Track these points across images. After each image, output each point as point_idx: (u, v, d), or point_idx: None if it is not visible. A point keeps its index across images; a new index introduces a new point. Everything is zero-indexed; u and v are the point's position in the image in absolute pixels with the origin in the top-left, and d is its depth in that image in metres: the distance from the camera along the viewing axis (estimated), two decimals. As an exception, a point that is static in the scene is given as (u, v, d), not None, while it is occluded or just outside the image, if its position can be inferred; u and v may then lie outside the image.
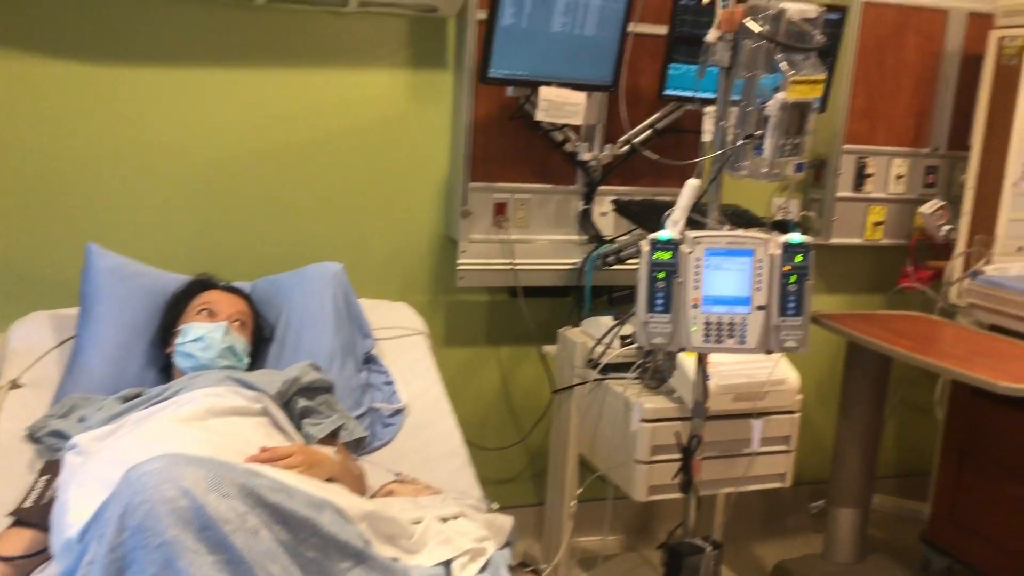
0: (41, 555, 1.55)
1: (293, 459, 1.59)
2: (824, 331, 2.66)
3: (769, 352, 1.87)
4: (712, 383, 2.18)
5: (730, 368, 2.24)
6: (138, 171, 2.43)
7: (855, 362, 2.77)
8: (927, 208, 2.95)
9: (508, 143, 2.65)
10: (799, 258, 1.84)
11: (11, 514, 1.62)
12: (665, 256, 1.83)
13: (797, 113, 1.82)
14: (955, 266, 2.84)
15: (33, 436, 1.82)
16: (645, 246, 1.84)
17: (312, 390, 1.91)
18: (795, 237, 1.83)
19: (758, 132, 1.83)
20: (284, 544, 1.32)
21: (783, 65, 1.79)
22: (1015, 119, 2.70)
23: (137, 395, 1.84)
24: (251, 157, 2.52)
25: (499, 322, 2.86)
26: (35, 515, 1.59)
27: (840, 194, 2.96)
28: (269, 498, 1.33)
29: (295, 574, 1.30)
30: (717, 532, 2.75)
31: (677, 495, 2.14)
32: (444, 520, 1.68)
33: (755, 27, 1.79)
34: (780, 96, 1.79)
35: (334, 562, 1.38)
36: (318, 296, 2.19)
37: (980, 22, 2.92)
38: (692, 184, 1.87)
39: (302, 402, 1.88)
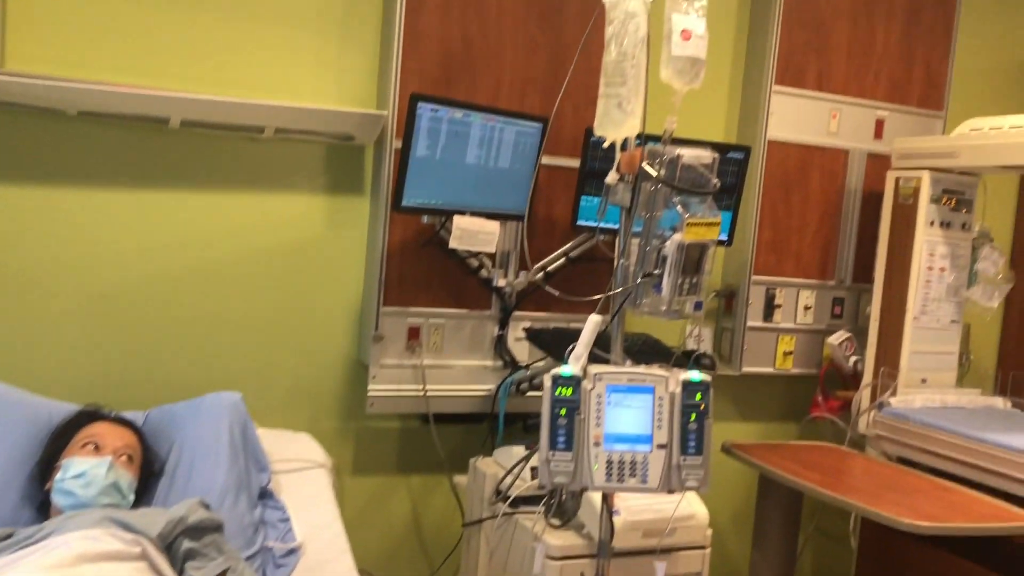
0: None
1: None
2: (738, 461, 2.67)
3: (671, 492, 1.85)
4: (620, 519, 2.15)
5: (639, 503, 2.21)
6: (32, 292, 2.36)
7: (767, 493, 2.77)
8: (834, 339, 3.02)
9: (423, 268, 2.65)
10: (698, 396, 1.84)
11: None
12: (567, 392, 1.82)
13: (694, 253, 1.86)
14: (863, 397, 2.90)
15: None
16: (547, 382, 1.82)
17: (199, 530, 1.81)
18: (694, 375, 1.84)
19: (657, 271, 1.86)
20: None
21: (679, 208, 1.83)
22: (913, 255, 2.81)
23: (7, 536, 1.72)
24: (159, 280, 2.47)
25: (410, 450, 2.79)
26: None
27: (751, 324, 3.02)
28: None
29: None
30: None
31: (585, 635, 2.07)
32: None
33: (652, 171, 1.83)
34: (677, 237, 1.83)
35: None
36: (213, 428, 2.11)
37: (879, 162, 3.08)
38: (594, 320, 1.87)
39: (187, 544, 1.78)
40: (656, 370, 1.87)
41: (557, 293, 2.40)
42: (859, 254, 3.12)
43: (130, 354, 2.45)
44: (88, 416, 2.03)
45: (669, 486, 1.84)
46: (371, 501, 2.77)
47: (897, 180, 2.88)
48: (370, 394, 2.59)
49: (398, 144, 2.46)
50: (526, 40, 2.66)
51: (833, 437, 3.01)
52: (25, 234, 2.34)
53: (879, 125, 3.11)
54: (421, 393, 2.64)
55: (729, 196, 2.73)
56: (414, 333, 2.67)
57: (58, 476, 1.86)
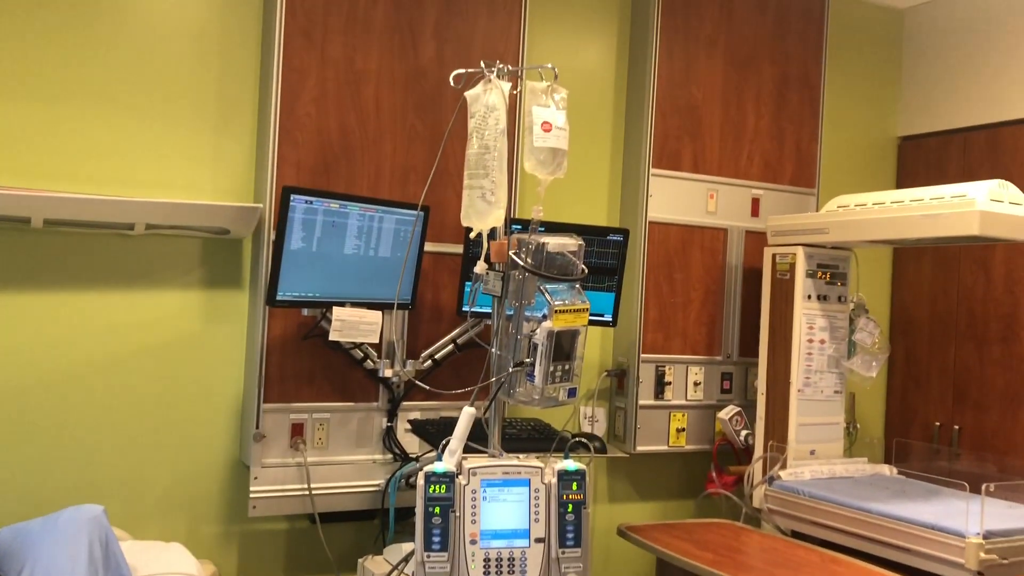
0: None
1: None
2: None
3: (552, 586, 1.81)
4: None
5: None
6: None
7: (665, 575, 2.74)
8: (725, 413, 3.05)
9: (306, 361, 2.59)
10: (575, 486, 1.82)
11: None
12: (441, 490, 1.78)
13: (565, 340, 1.86)
14: (754, 471, 2.92)
15: None
16: (420, 480, 1.78)
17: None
18: (570, 464, 1.82)
19: (529, 359, 1.85)
20: None
21: (547, 296, 1.84)
22: (793, 329, 2.88)
23: None
24: (23, 384, 2.35)
25: (299, 552, 2.68)
26: None
27: (643, 402, 3.03)
28: None
29: None
30: None
31: None
32: None
33: (519, 260, 1.84)
34: (547, 325, 1.83)
35: None
36: (71, 545, 1.97)
37: (757, 239, 3.17)
38: (468, 412, 1.85)
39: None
40: (532, 461, 1.85)
41: (428, 388, 2.36)
42: (744, 329, 3.19)
43: (-14, 467, 2.31)
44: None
45: (549, 580, 1.80)
46: (257, 609, 2.64)
47: (774, 256, 2.97)
48: (252, 496, 2.49)
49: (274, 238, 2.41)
50: (405, 129, 2.68)
51: (729, 512, 3.01)
52: None
53: (755, 203, 3.21)
54: (306, 492, 2.55)
55: (611, 277, 2.76)
56: (298, 429, 2.59)
57: None
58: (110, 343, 2.46)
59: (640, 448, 3.02)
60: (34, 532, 2.02)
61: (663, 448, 3.09)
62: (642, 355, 3.02)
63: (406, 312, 2.68)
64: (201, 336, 2.56)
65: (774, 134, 3.25)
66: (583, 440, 2.36)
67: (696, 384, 3.12)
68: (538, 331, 1.84)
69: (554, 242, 1.85)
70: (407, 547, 2.37)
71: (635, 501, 3.16)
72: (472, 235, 1.91)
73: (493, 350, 1.93)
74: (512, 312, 1.92)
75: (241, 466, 2.59)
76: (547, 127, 1.89)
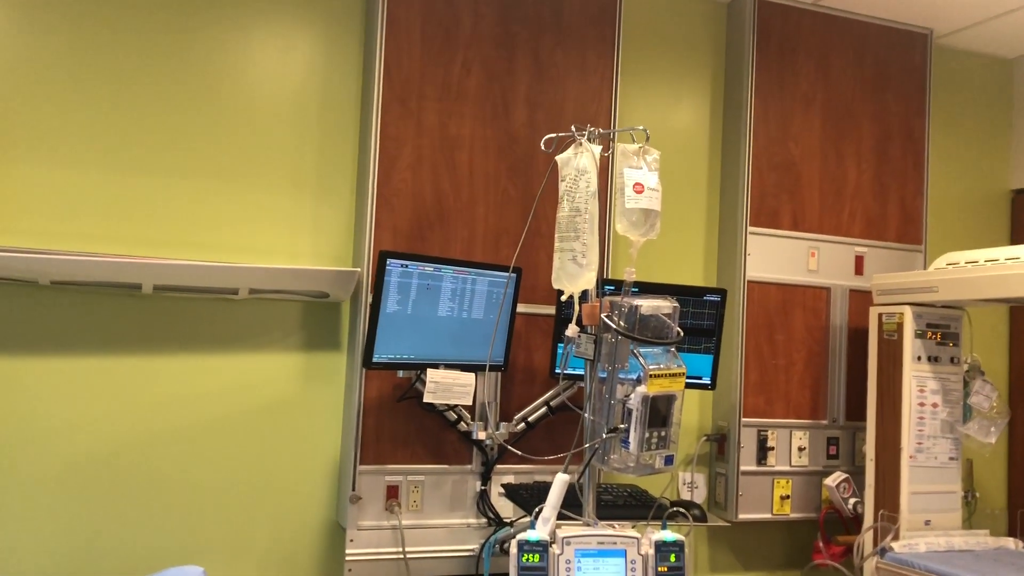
0: None
1: None
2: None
3: (649, 662, 1.74)
4: None
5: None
6: (5, 464, 2.32)
7: (771, 651, 2.61)
8: (831, 480, 2.91)
9: (401, 423, 2.60)
10: (672, 557, 1.75)
11: None
12: (534, 559, 1.74)
13: (660, 405, 1.81)
14: (864, 541, 2.77)
15: None
16: (513, 548, 1.75)
17: None
18: (668, 536, 1.76)
19: (623, 425, 1.81)
20: None
21: (641, 360, 1.80)
22: (903, 392, 2.74)
23: None
24: (125, 447, 2.43)
25: (394, 616, 2.66)
26: None
27: (744, 468, 2.92)
28: None
29: None
30: None
31: None
32: None
33: (611, 323, 1.81)
34: (641, 390, 1.79)
35: None
36: (171, 606, 2.03)
37: (861, 298, 3.06)
38: (562, 479, 1.81)
39: None
40: (627, 531, 1.79)
41: (519, 453, 2.33)
42: (850, 391, 3.06)
43: (98, 525, 2.38)
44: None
45: (646, 656, 1.73)
46: (351, 674, 2.62)
47: (880, 316, 2.85)
48: (348, 559, 2.49)
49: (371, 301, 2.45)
50: (498, 193, 2.71)
51: (838, 586, 2.86)
52: (-7, 405, 2.32)
53: (859, 261, 3.10)
54: (401, 556, 2.54)
55: (709, 338, 2.69)
56: (393, 492, 2.59)
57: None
58: (213, 405, 2.52)
59: (742, 516, 2.91)
60: (137, 592, 2.07)
61: (766, 516, 2.97)
62: (743, 419, 2.93)
63: (499, 374, 2.67)
64: (300, 398, 2.61)
65: (877, 190, 3.15)
66: (682, 509, 2.28)
67: (801, 449, 3.00)
68: (632, 396, 1.80)
69: (647, 304, 1.82)
70: (501, 615, 2.34)
71: (737, 572, 3.03)
72: (563, 298, 1.89)
73: (586, 415, 1.90)
74: (605, 375, 1.88)
75: (338, 528, 2.60)
76: (639, 188, 1.88)
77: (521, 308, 2.64)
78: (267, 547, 2.55)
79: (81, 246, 2.38)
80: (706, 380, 2.71)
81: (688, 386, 2.08)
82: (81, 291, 2.40)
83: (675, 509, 2.21)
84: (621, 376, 1.85)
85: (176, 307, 2.49)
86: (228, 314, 2.55)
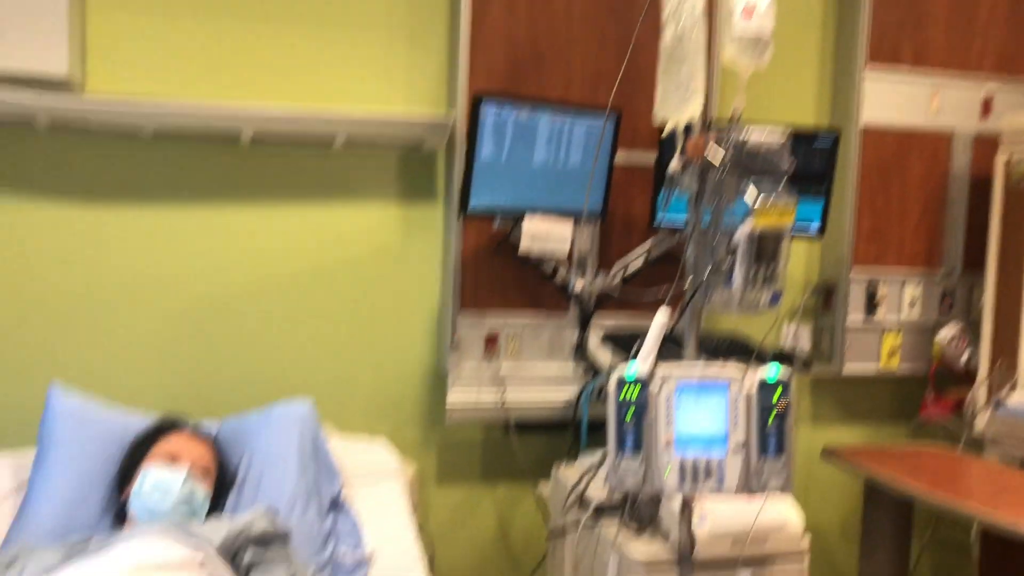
0: None
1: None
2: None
3: (751, 494, 1.73)
4: (705, 527, 2.03)
5: (728, 510, 2.09)
6: (118, 308, 2.42)
7: (874, 500, 2.58)
8: (945, 333, 2.80)
9: (499, 272, 2.60)
10: (778, 394, 1.71)
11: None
12: (633, 394, 1.72)
13: (767, 242, 1.73)
14: (978, 395, 2.67)
15: (-30, 590, 1.74)
16: (611, 384, 1.73)
17: (263, 540, 1.80)
18: (772, 372, 1.71)
19: (727, 262, 1.74)
20: None
21: (750, 192, 1.72)
22: (1029, 240, 2.58)
23: (82, 544, 1.75)
24: (234, 293, 2.51)
25: (494, 459, 2.74)
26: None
27: (851, 321, 2.83)
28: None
29: None
30: None
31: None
32: None
33: (718, 155, 1.73)
34: (747, 225, 1.71)
35: None
36: (282, 437, 2.11)
37: (987, 143, 2.84)
38: (662, 317, 1.78)
39: (251, 553, 1.77)
40: (730, 368, 1.75)
41: (620, 295, 2.28)
42: (969, 241, 2.89)
43: (208, 365, 2.49)
44: (166, 428, 2.06)
45: (749, 489, 1.72)
46: (457, 511, 2.72)
47: (1008, 162, 2.65)
48: (448, 406, 2.55)
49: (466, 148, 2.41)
50: (596, 34, 2.59)
51: (946, 440, 2.78)
52: (105, 253, 2.41)
53: (987, 103, 2.87)
54: (500, 403, 2.58)
55: (819, 185, 2.57)
56: (492, 340, 2.62)
57: (135, 486, 1.89)
58: (314, 256, 2.56)
59: (848, 369, 2.84)
60: (251, 424, 2.17)
61: (873, 370, 2.89)
62: (852, 269, 2.82)
63: (597, 225, 2.62)
64: (399, 249, 2.62)
65: (1012, 19, 2.87)
66: (787, 354, 2.23)
67: (912, 302, 2.88)
68: (738, 232, 1.72)
69: (756, 136, 1.72)
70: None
71: (841, 425, 2.99)
72: (666, 132, 1.81)
73: (688, 254, 1.84)
74: (709, 213, 1.81)
75: (438, 374, 2.65)
76: (748, 12, 1.74)
77: (620, 158, 2.55)
78: (372, 390, 2.63)
79: (179, 97, 2.39)
80: (814, 228, 2.61)
81: (795, 235, 1.99)
82: (181, 144, 2.43)
83: (780, 354, 2.15)
84: (726, 213, 1.77)
85: (273, 160, 2.50)
86: (324, 166, 2.54)
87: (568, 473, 2.43)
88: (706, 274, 1.76)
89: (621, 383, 1.72)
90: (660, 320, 1.75)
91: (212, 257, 2.48)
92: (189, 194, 2.46)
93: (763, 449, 1.72)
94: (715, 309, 1.82)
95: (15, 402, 2.33)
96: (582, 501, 2.28)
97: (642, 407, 1.72)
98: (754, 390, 1.73)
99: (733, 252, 1.75)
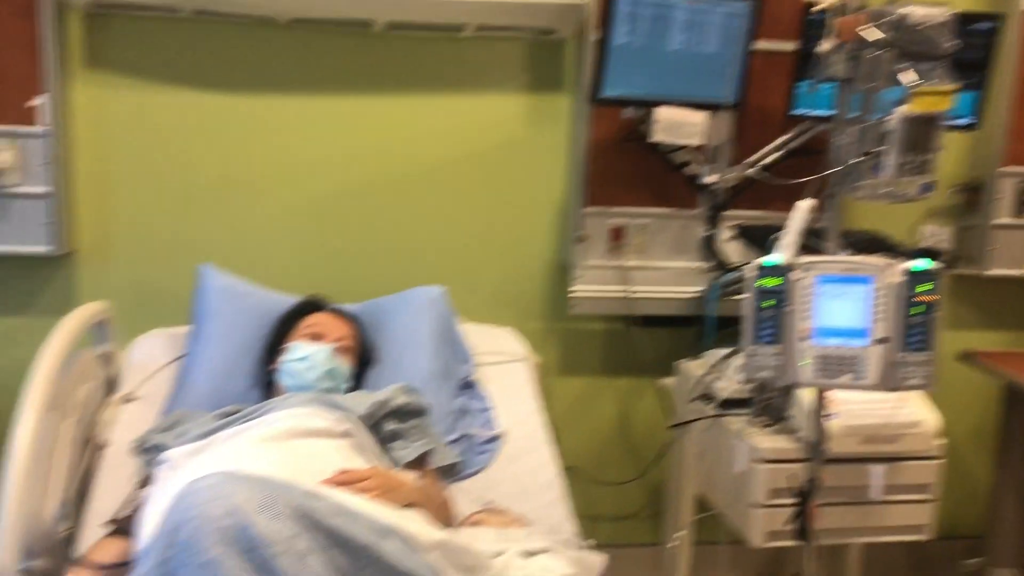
0: (131, 564, 1.58)
1: (368, 483, 1.56)
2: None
3: (891, 390, 1.69)
4: (837, 422, 2.01)
5: (860, 407, 2.05)
6: (257, 195, 2.52)
7: (1014, 406, 2.49)
8: (1102, 236, 2.62)
9: (627, 166, 2.57)
10: (926, 287, 1.65)
11: (106, 523, 1.68)
12: (773, 283, 1.70)
13: (923, 127, 1.65)
14: None
15: (137, 449, 1.89)
16: (750, 272, 1.71)
17: (403, 413, 1.88)
18: (919, 264, 1.65)
19: (877, 149, 1.67)
20: (340, 570, 1.28)
21: (907, 74, 1.62)
22: None
23: (235, 412, 1.87)
24: (367, 183, 2.56)
25: (616, 352, 2.76)
26: (129, 525, 1.63)
27: (998, 221, 2.68)
28: (326, 521, 1.30)
29: (346, 602, 1.26)
30: (850, 585, 2.54)
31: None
32: (529, 555, 1.60)
33: (874, 35, 1.63)
34: (903, 109, 1.63)
35: (395, 592, 1.33)
36: (417, 319, 2.18)
37: None
38: (804, 205, 1.72)
39: (391, 425, 1.85)
40: (874, 260, 1.70)
41: (765, 178, 2.21)
42: None
43: (344, 252, 2.57)
44: (312, 306, 2.15)
45: (889, 384, 1.69)
46: (577, 402, 2.77)
47: None
48: (572, 295, 2.57)
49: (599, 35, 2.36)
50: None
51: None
52: (245, 140, 2.49)
53: None
54: (624, 295, 2.58)
55: (974, 74, 2.40)
56: (617, 234, 2.60)
57: (283, 358, 1.99)
58: (442, 146, 2.58)
59: (994, 271, 2.70)
60: (388, 307, 2.25)
61: (1019, 272, 2.74)
62: (1003, 167, 2.65)
63: (732, 115, 2.54)
64: (524, 139, 2.61)
65: None
66: (931, 250, 2.14)
67: (1068, 202, 2.70)
68: (892, 116, 1.64)
69: (919, 12, 1.62)
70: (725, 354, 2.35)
71: (980, 329, 2.86)
72: (816, 7, 1.72)
73: (834, 141, 1.77)
74: (860, 98, 1.73)
75: (562, 267, 2.67)
76: None
77: (760, 44, 2.44)
78: (496, 283, 2.67)
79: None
80: (966, 120, 2.46)
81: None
82: (316, 31, 2.45)
83: (924, 249, 2.07)
84: (879, 97, 1.69)
85: (404, 46, 2.51)
86: (454, 53, 2.54)
87: (693, 367, 2.44)
88: (854, 161, 1.69)
89: (761, 271, 1.69)
90: (803, 207, 1.70)
91: (347, 146, 2.53)
92: (324, 82, 2.49)
93: (906, 344, 1.68)
94: (861, 199, 1.75)
95: (170, 284, 2.47)
96: (708, 395, 2.29)
97: (781, 296, 1.69)
98: (900, 282, 1.67)
99: (884, 138, 1.67)
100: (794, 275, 1.70)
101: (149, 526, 1.46)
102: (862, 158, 1.69)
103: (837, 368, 1.70)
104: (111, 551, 1.62)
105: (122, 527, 1.66)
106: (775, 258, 1.70)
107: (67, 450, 1.82)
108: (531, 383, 2.28)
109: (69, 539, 1.74)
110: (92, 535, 1.73)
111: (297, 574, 1.22)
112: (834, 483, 1.98)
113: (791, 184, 2.04)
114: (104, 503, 1.80)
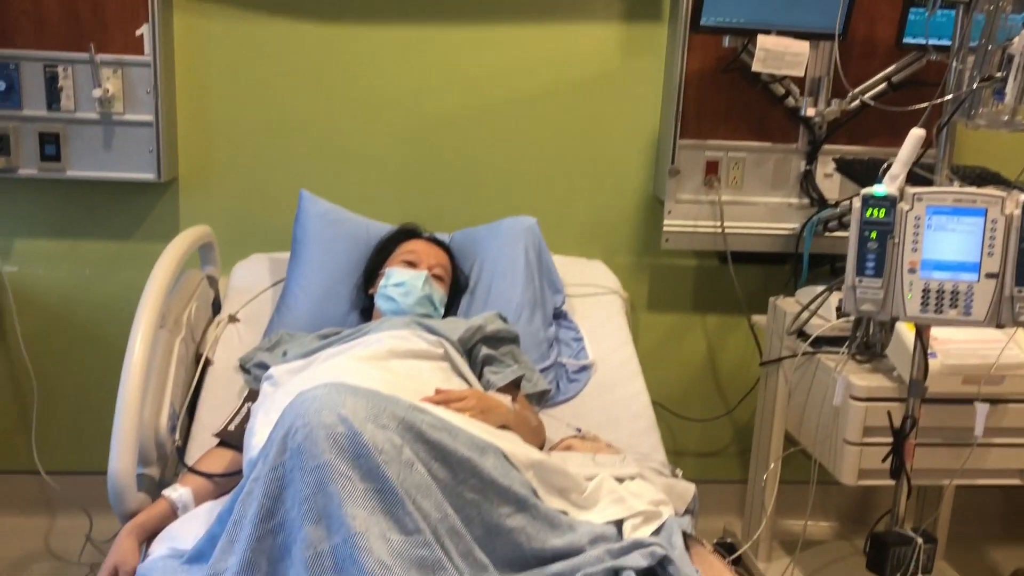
0: (238, 475, 1.66)
1: (466, 402, 1.60)
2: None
3: (1000, 326, 1.64)
4: (936, 361, 1.96)
5: (960, 347, 2.00)
6: (353, 124, 2.54)
7: None
8: None
9: (723, 98, 2.51)
10: (1043, 220, 1.58)
11: (215, 435, 1.76)
12: (879, 214, 1.65)
13: (1051, 51, 1.56)
14: None
15: (242, 366, 1.96)
16: (857, 202, 1.66)
17: (496, 339, 1.90)
18: (1039, 195, 1.58)
19: (1000, 74, 1.59)
20: (441, 482, 1.32)
21: (1034, -4, 1.54)
22: None
23: (334, 334, 1.92)
24: (460, 113, 2.56)
25: (707, 288, 2.73)
26: (235, 437, 1.71)
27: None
28: (429, 434, 1.33)
29: (448, 512, 1.30)
30: (941, 527, 2.50)
31: (890, 482, 1.94)
32: (620, 480, 1.63)
33: (1001, -49, 1.55)
34: (1029, 31, 1.54)
35: (494, 506, 1.37)
36: (510, 248, 2.19)
37: None
38: (916, 134, 1.66)
39: (485, 350, 1.88)
40: (988, 192, 1.63)
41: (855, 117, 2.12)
42: None
43: (438, 181, 2.58)
44: (408, 233, 2.18)
45: (998, 320, 1.63)
46: (666, 338, 2.76)
47: None
48: (665, 229, 2.54)
49: (699, -40, 2.29)
50: None
51: None
52: (343, 71, 2.50)
53: None
54: (719, 230, 2.55)
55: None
56: (712, 167, 2.55)
57: (382, 283, 2.03)
58: (535, 76, 2.55)
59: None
60: (481, 236, 2.27)
61: None
62: None
63: (835, 44, 2.43)
64: (620, 70, 2.57)
65: None
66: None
67: None
68: (1017, 39, 1.56)
69: (1051, -74, 1.53)
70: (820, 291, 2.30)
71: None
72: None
73: (952, 68, 1.69)
74: (981, 23, 1.64)
75: (655, 201, 2.64)
76: None
77: (864, -33, 2.34)
78: (587, 215, 2.65)
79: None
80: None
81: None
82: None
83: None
84: (1002, 21, 1.60)
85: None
86: (546, -17, 2.50)
87: (787, 304, 2.40)
88: (976, 86, 1.62)
89: (868, 201, 1.65)
90: (916, 135, 1.64)
91: (442, 76, 2.53)
92: (420, 12, 2.49)
93: (1020, 279, 1.61)
94: (980, 127, 1.67)
95: (268, 211, 2.53)
96: (802, 332, 2.25)
97: (888, 228, 1.65)
98: (1015, 214, 1.60)
99: (1008, 63, 1.59)
100: (903, 205, 1.64)
101: (256, 437, 1.52)
102: (982, 83, 1.61)
103: (944, 302, 1.65)
104: (220, 461, 1.70)
105: (228, 440, 1.74)
106: (883, 188, 1.64)
107: (177, 366, 1.90)
108: (622, 315, 2.28)
109: (180, 450, 1.82)
110: (200, 447, 1.81)
111: (403, 481, 1.26)
112: (931, 423, 1.94)
113: (900, 114, 1.96)
114: (211, 417, 1.88)
